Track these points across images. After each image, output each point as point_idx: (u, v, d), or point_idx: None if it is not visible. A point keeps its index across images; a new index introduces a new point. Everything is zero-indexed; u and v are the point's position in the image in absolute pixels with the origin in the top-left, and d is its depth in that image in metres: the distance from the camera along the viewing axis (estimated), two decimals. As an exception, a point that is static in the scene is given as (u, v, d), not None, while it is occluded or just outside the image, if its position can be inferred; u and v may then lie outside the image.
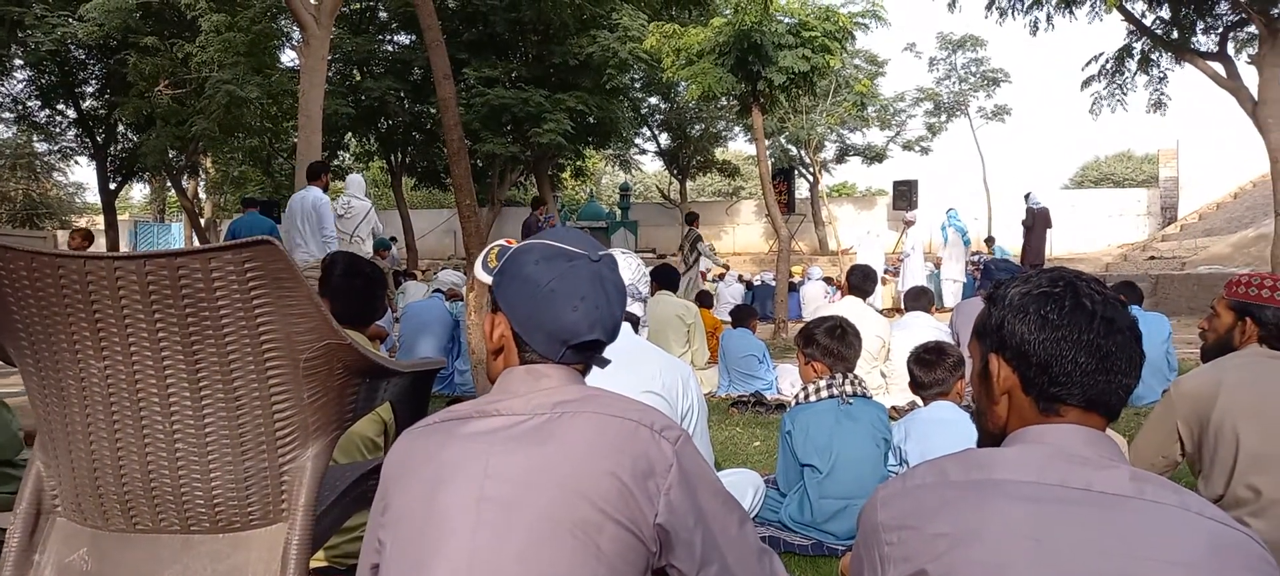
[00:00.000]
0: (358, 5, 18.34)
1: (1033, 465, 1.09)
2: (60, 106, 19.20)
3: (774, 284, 11.22)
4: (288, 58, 18.08)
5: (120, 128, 18.54)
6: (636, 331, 2.68)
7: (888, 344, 5.77)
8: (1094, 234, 21.92)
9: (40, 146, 22.73)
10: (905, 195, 19.37)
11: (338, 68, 17.57)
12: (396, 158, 20.31)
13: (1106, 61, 13.69)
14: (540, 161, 18.35)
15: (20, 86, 18.72)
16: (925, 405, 3.14)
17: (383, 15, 19.03)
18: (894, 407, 5.28)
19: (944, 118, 25.18)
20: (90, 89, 18.88)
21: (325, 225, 7.63)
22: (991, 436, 1.24)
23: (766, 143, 13.57)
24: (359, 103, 17.78)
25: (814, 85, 10.41)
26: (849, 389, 2.98)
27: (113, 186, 20.13)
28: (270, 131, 17.76)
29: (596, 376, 1.43)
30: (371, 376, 1.74)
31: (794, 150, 24.52)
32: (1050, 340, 1.13)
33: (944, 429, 2.87)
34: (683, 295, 8.36)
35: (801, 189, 24.79)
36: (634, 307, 2.68)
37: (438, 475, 1.24)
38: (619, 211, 24.57)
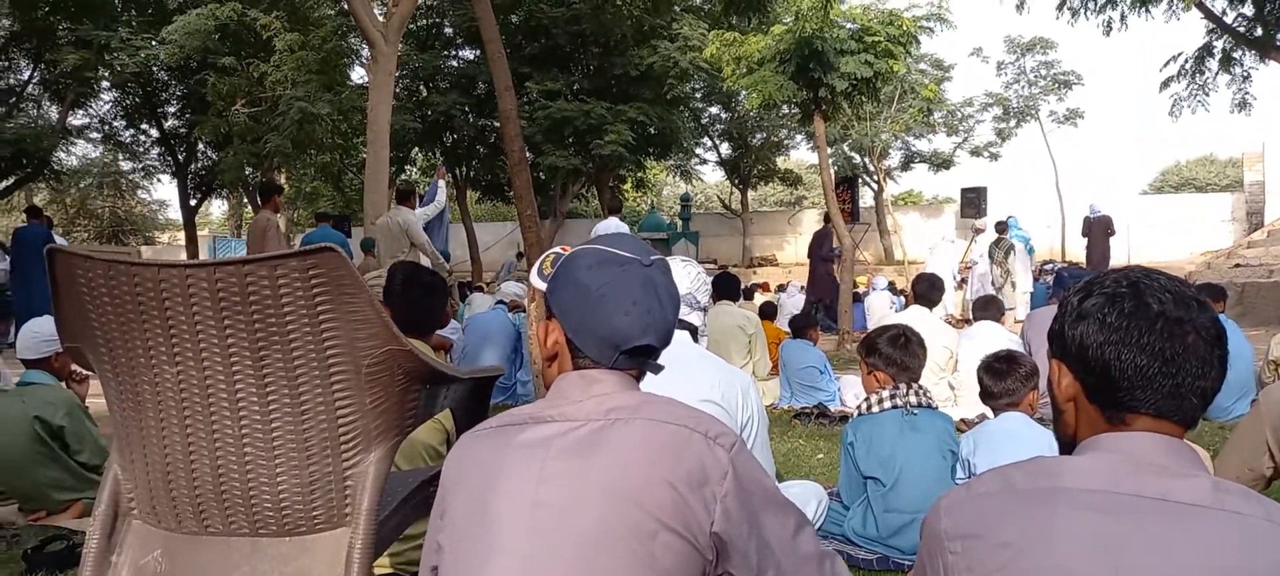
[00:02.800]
0: (424, 22, 18.78)
1: (1104, 473, 1.04)
2: (144, 126, 20.10)
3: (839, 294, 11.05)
4: (357, 75, 18.62)
5: (200, 146, 19.31)
6: (695, 340, 2.65)
7: (955, 354, 5.62)
8: (1175, 241, 21.02)
9: (125, 165, 23.83)
10: (974, 202, 18.90)
11: (405, 84, 18.01)
12: (461, 171, 20.69)
13: (1186, 61, 13.21)
14: (601, 173, 18.48)
15: (107, 107, 19.68)
16: (995, 416, 3.04)
17: (448, 31, 19.43)
18: (963, 420, 5.14)
19: (1013, 123, 24.51)
20: (172, 109, 19.72)
21: (416, 238, 8.05)
22: (1068, 445, 1.19)
23: (829, 150, 13.41)
24: (425, 117, 18.18)
25: (877, 91, 10.24)
26: (913, 400, 2.91)
27: (193, 203, 20.95)
28: (340, 147, 18.27)
29: (652, 384, 1.42)
30: (432, 382, 1.76)
31: (858, 158, 24.18)
32: (1109, 344, 1.07)
33: (1014, 441, 2.77)
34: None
35: (866, 197, 24.41)
36: (692, 317, 2.65)
37: (493, 480, 1.25)
38: (680, 222, 24.56)
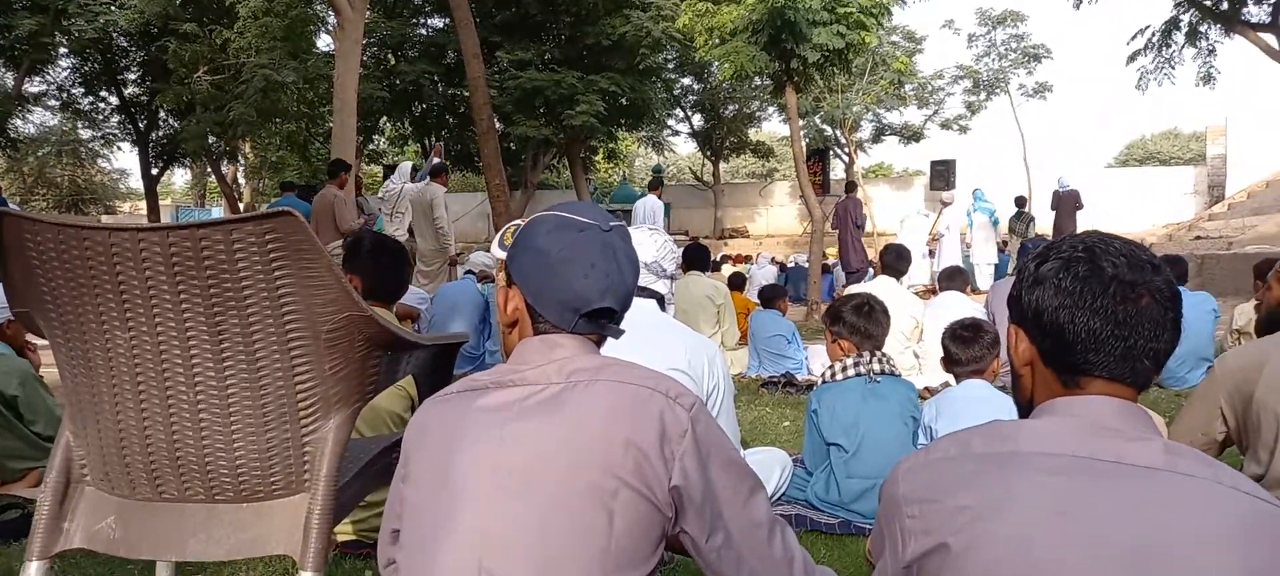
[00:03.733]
0: (392, -11, 18.44)
1: (1060, 437, 1.05)
2: (103, 93, 19.60)
3: (808, 266, 11.13)
4: (324, 43, 18.27)
5: (161, 114, 18.89)
6: (662, 309, 2.66)
7: (921, 323, 5.69)
8: (1138, 214, 21.37)
9: (84, 133, 23.24)
10: (943, 175, 19.12)
11: (372, 52, 17.71)
12: (430, 141, 20.46)
13: (1153, 34, 13.34)
14: (573, 144, 18.37)
15: (64, 74, 19.14)
16: (958, 383, 3.08)
17: (416, -1, 19.13)
18: (927, 388, 5.21)
19: (983, 96, 24.70)
20: (132, 76, 19.23)
21: (438, 216, 8.56)
22: (1026, 409, 1.21)
23: (801, 122, 13.41)
24: (393, 87, 17.91)
25: (849, 63, 10.26)
26: (877, 367, 2.94)
27: (155, 172, 20.53)
28: (307, 116, 17.97)
29: (620, 351, 1.42)
30: (393, 349, 1.75)
31: (829, 130, 24.26)
32: (1063, 308, 1.09)
33: (976, 407, 2.81)
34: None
35: (837, 169, 24.53)
36: (659, 285, 2.65)
37: (455, 444, 1.26)
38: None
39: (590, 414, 1.22)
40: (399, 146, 23.55)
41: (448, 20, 18.23)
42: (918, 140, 25.54)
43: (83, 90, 19.52)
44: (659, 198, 10.01)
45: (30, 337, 3.70)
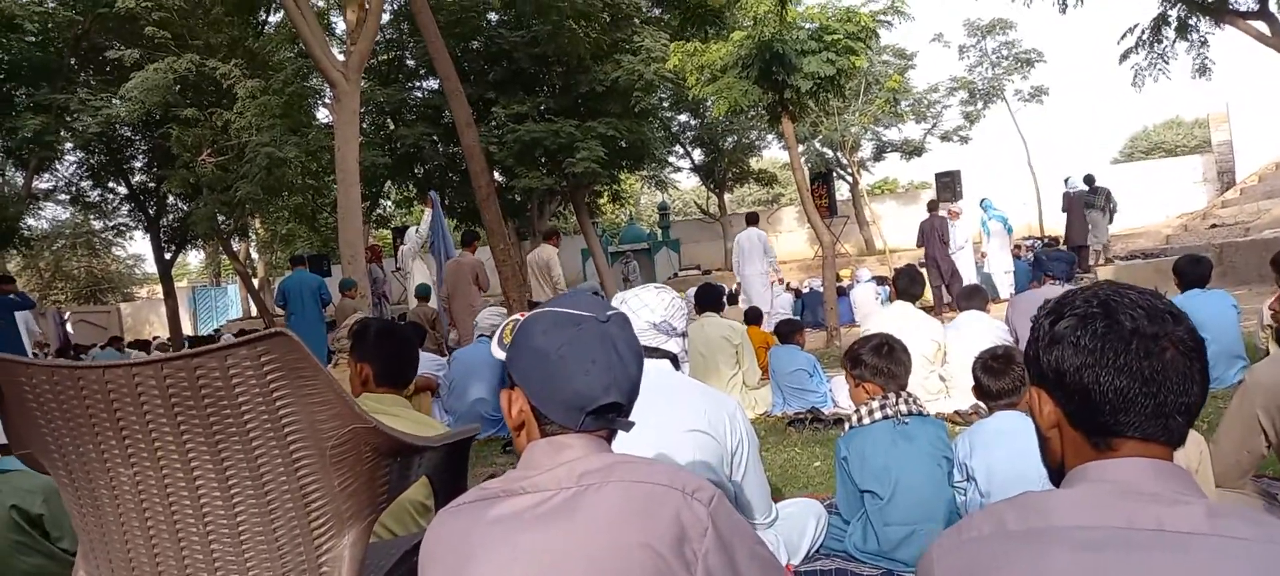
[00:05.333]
0: (385, 57, 18.65)
1: (1095, 506, 1.00)
2: (111, 184, 19.85)
3: (822, 290, 11.04)
4: (322, 115, 18.49)
5: (170, 199, 19.11)
6: (677, 368, 2.59)
7: (943, 346, 5.60)
8: (1150, 207, 21.21)
9: (96, 224, 23.52)
10: (949, 186, 18.98)
11: (371, 119, 17.87)
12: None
13: (1143, 32, 13.29)
14: (576, 190, 18.41)
15: (72, 168, 19.43)
16: (991, 415, 3.00)
17: (410, 63, 19.31)
18: (956, 412, 5.12)
19: (980, 105, 24.68)
20: (138, 164, 19.50)
21: (554, 274, 8.68)
22: (1057, 473, 1.15)
23: (800, 148, 13.45)
24: (394, 151, 18.05)
25: (842, 87, 10.25)
26: (903, 409, 2.86)
27: (168, 256, 20.71)
28: (312, 188, 18.13)
29: (635, 418, 1.37)
30: (403, 455, 1.70)
31: (830, 153, 24.29)
32: (1086, 368, 1.04)
33: (1010, 440, 2.72)
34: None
35: (842, 190, 24.51)
36: (670, 344, 2.58)
37: (467, 561, 1.21)
38: (660, 232, 24.52)
39: (604, 519, 1.17)
40: (406, 209, 23.70)
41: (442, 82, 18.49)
42: (919, 154, 25.52)
43: (91, 183, 19.79)
44: (758, 227, 10.70)
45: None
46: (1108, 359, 1.02)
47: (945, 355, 5.63)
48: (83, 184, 19.83)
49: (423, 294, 11.40)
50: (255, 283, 22.71)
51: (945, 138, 25.23)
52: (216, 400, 1.46)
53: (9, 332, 9.72)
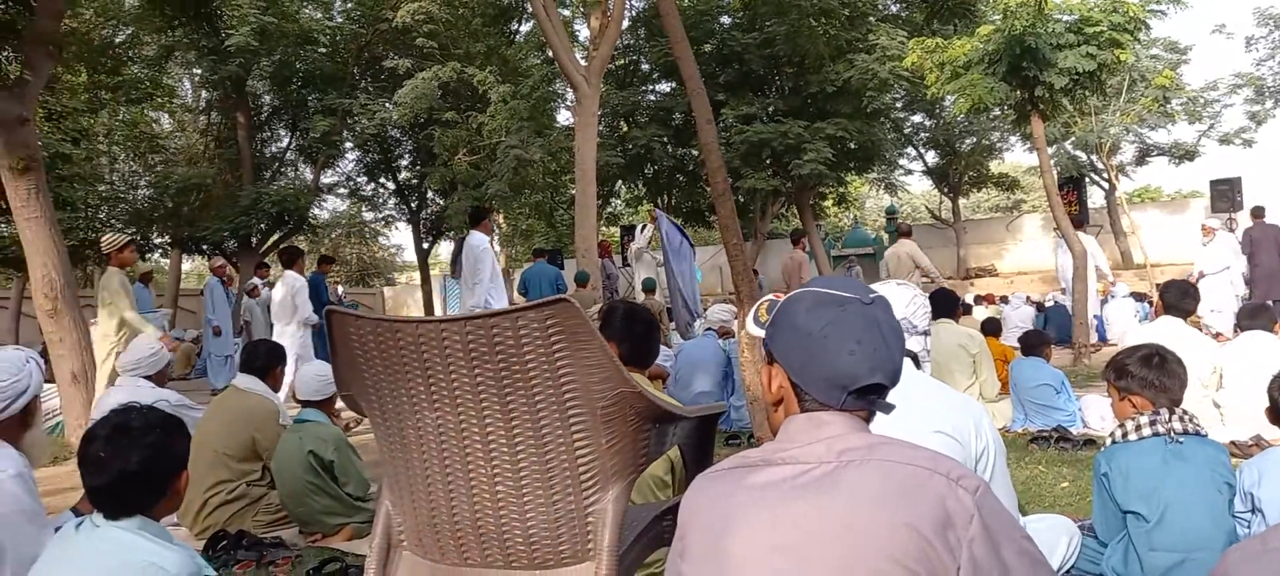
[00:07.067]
0: (622, 61, 19.48)
1: None
2: (382, 180, 22.28)
3: (1070, 304, 10.19)
4: (563, 117, 19.66)
5: (429, 194, 21.12)
6: (918, 368, 2.53)
7: (1220, 369, 5.00)
8: None
9: (367, 215, 26.50)
10: (1226, 195, 16.77)
11: (606, 121, 18.73)
12: (663, 200, 21.19)
13: None
14: (801, 192, 18.23)
15: (351, 165, 22.06)
16: None
17: (645, 67, 20.04)
18: (1233, 443, 4.57)
19: (1270, 104, 21.55)
20: (404, 162, 21.74)
21: (920, 263, 9.39)
22: None
23: (1049, 150, 12.43)
24: (626, 151, 18.80)
25: (1102, 84, 9.40)
26: (1177, 426, 2.61)
27: (425, 246, 22.90)
28: (551, 186, 19.32)
29: (879, 422, 1.38)
30: (661, 421, 1.81)
31: (1083, 155, 22.23)
32: None
33: (1307, 471, 2.42)
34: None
35: (1095, 197, 22.40)
36: (912, 342, 2.53)
37: (728, 522, 1.27)
38: (885, 236, 23.67)
39: (866, 495, 1.18)
40: (633, 208, 24.59)
41: (674, 85, 18.97)
42: (1191, 159, 22.68)
43: (365, 178, 22.34)
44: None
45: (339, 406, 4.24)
46: None
47: (1222, 379, 5.03)
48: (359, 179, 22.42)
49: (649, 287, 11.83)
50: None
51: (1224, 141, 22.26)
52: (507, 356, 1.64)
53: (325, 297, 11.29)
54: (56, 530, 2.19)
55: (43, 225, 6.49)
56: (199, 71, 18.88)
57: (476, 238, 8.51)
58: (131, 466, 1.87)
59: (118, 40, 16.69)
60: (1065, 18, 8.64)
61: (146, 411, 1.98)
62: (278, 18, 15.68)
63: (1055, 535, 2.68)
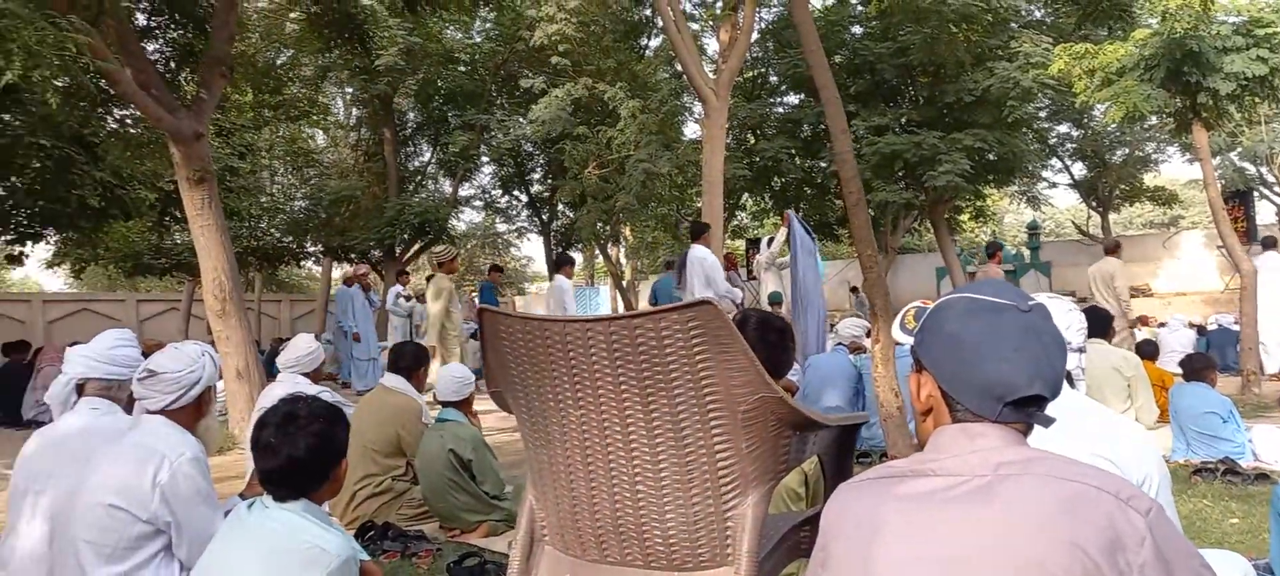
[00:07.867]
0: (750, 74, 19.42)
1: None
2: (515, 193, 23.11)
3: (1235, 328, 9.39)
4: (690, 130, 19.75)
5: (560, 206, 21.72)
6: (1072, 387, 2.41)
7: None
8: None
9: (501, 227, 27.52)
10: None
11: (733, 134, 18.69)
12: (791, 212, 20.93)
13: None
14: (935, 205, 17.60)
15: (486, 179, 23.03)
16: None
17: (773, 79, 19.90)
18: None
19: None
20: (536, 176, 22.47)
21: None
22: None
23: (1213, 161, 11.52)
24: (753, 164, 18.70)
25: (1275, 90, 8.65)
26: (1373, 459, 2.37)
27: (555, 256, 23.54)
28: (677, 199, 19.47)
29: (1033, 438, 1.32)
30: (802, 429, 1.80)
31: (1251, 167, 20.50)
32: None
33: None
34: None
35: (1265, 213, 20.56)
36: (1068, 360, 2.41)
37: (875, 532, 1.24)
38: (1027, 252, 22.54)
39: (1026, 510, 1.13)
40: (759, 220, 24.43)
41: (803, 97, 18.73)
42: (1379, 171, 20.54)
43: (500, 191, 23.24)
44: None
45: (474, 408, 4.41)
46: None
47: None
48: (494, 192, 23.33)
49: (775, 300, 11.71)
50: (623, 285, 24.87)
51: None
52: (650, 357, 1.68)
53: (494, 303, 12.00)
54: (226, 514, 2.38)
55: (214, 232, 7.08)
56: (350, 90, 20.17)
57: (699, 250, 8.94)
58: (299, 452, 2.01)
59: (279, 62, 18.00)
60: (1232, 19, 8.03)
61: (311, 401, 2.13)
62: (423, 38, 16.54)
63: (1226, 571, 2.48)
